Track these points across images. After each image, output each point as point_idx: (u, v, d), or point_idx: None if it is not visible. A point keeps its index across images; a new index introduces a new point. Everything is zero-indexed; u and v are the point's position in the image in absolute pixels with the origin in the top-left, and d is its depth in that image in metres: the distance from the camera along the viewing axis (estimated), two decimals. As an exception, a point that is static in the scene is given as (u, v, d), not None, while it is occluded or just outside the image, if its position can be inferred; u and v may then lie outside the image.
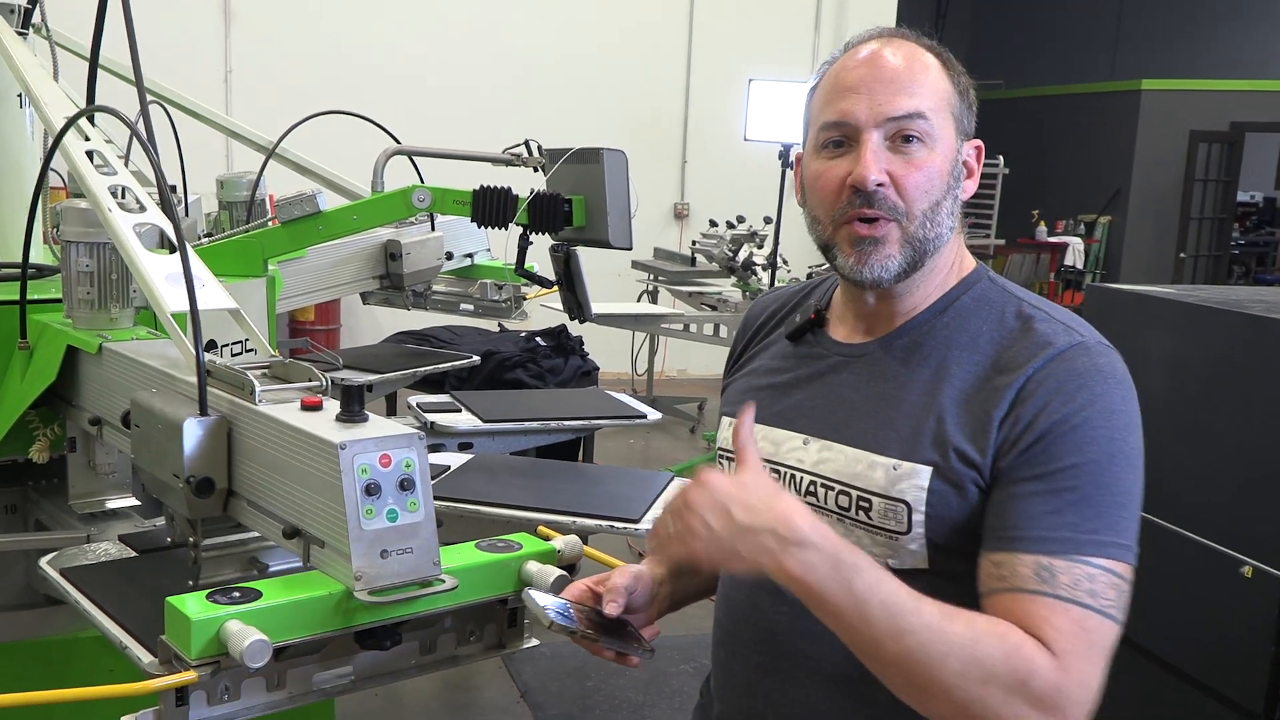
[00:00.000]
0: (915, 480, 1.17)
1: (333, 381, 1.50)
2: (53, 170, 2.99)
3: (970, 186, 1.28)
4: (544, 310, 5.12)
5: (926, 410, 1.20)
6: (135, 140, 1.69)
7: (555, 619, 1.20)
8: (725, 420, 1.42)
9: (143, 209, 1.79)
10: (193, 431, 1.41)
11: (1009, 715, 1.04)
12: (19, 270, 2.04)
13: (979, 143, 1.29)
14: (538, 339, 4.84)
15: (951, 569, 1.17)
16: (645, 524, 2.21)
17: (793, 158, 1.38)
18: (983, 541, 1.15)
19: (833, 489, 1.25)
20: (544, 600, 1.24)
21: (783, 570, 1.05)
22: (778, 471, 1.31)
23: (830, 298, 1.39)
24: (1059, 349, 1.17)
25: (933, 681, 1.04)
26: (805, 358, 1.36)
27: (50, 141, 1.93)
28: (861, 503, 1.22)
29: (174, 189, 2.70)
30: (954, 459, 1.16)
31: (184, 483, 1.40)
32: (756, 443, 1.18)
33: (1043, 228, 11.62)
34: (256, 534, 1.50)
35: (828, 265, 1.31)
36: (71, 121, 1.87)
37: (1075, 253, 11.35)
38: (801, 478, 1.28)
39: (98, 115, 2.12)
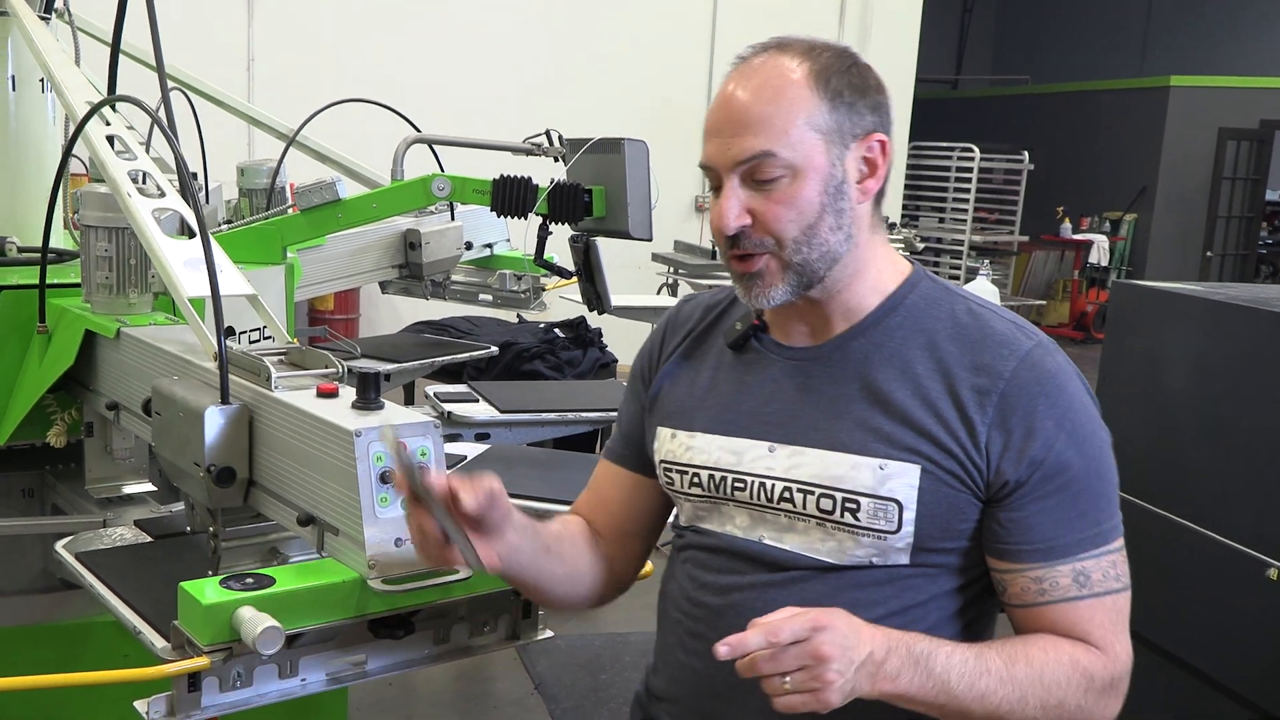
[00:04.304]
0: (905, 479, 1.19)
1: (349, 370, 1.49)
2: (73, 155, 3.01)
3: (872, 185, 1.24)
4: (563, 301, 5.11)
5: (903, 408, 1.21)
6: (156, 127, 1.68)
7: (407, 460, 1.11)
8: (664, 432, 1.36)
9: (162, 194, 1.79)
10: (214, 420, 1.39)
11: (1084, 716, 1.19)
12: (39, 254, 2.05)
13: (881, 137, 1.24)
14: (556, 330, 4.82)
15: (929, 564, 1.23)
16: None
17: None
18: (1006, 555, 1.22)
19: (813, 493, 1.24)
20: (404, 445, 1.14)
21: (878, 691, 1.11)
22: (743, 481, 1.29)
23: None
24: (1024, 351, 1.22)
25: None
26: (752, 364, 1.33)
27: (73, 129, 1.93)
28: (848, 504, 1.22)
29: (194, 176, 2.71)
30: (939, 455, 1.19)
31: (204, 471, 1.39)
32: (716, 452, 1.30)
33: (1067, 225, 11.52)
34: (276, 523, 1.48)
35: None
36: (95, 110, 1.87)
37: (1100, 250, 11.25)
38: (773, 485, 1.27)
39: (120, 101, 2.11)
